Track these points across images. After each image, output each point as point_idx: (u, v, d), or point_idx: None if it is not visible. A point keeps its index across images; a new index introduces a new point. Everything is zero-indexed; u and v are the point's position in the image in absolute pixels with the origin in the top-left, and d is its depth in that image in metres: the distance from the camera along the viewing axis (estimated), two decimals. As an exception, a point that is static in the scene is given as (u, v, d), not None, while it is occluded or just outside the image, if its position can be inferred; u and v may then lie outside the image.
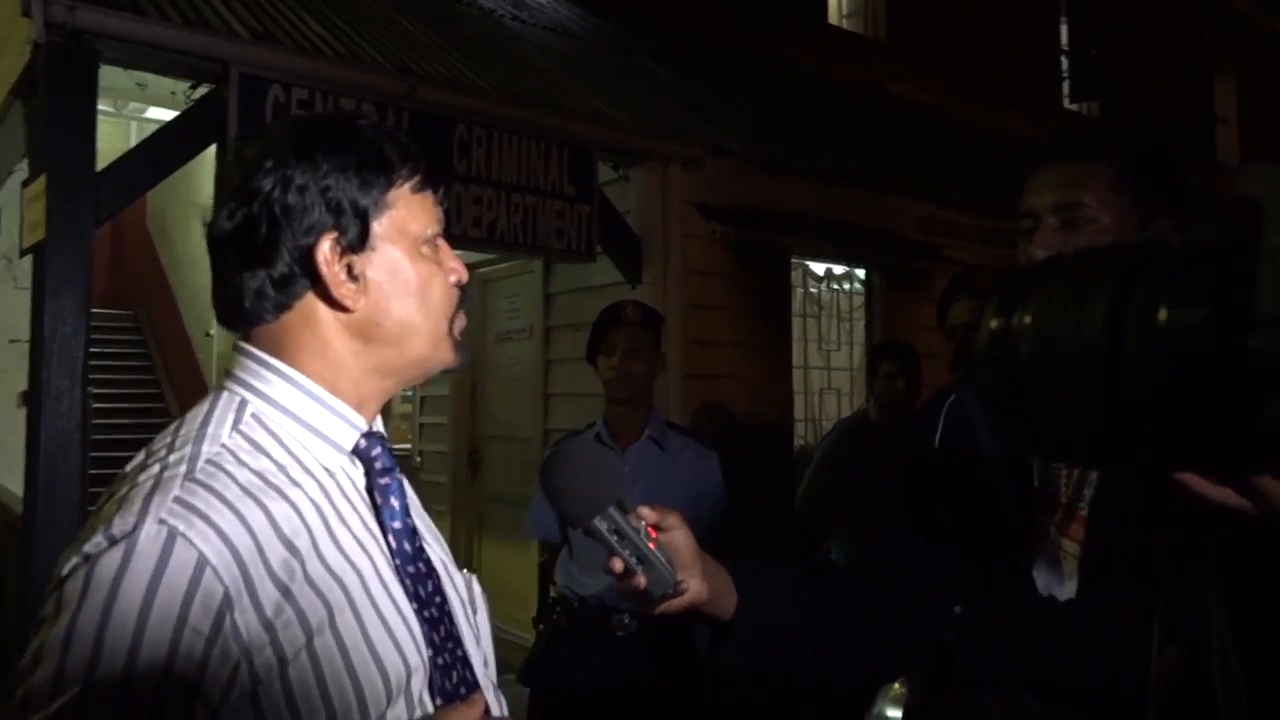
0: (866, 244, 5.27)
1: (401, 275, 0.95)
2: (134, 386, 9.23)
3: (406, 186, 0.96)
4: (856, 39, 8.55)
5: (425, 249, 0.97)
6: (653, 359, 2.75)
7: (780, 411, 4.95)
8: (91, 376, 7.19)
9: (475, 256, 5.69)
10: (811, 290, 5.48)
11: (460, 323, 1.00)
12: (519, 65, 4.97)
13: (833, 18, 8.57)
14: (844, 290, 5.65)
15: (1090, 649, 1.09)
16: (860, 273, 5.64)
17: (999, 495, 1.19)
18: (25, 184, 3.52)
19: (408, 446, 6.73)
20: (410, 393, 6.72)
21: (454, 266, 0.99)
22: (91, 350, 3.33)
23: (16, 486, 3.73)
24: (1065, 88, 10.34)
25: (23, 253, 3.58)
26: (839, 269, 5.55)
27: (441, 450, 6.20)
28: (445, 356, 0.99)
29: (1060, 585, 1.16)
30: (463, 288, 1.01)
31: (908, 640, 1.21)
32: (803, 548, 3.14)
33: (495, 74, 4.47)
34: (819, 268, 5.46)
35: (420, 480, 6.36)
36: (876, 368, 3.59)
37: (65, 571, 0.77)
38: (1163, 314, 0.55)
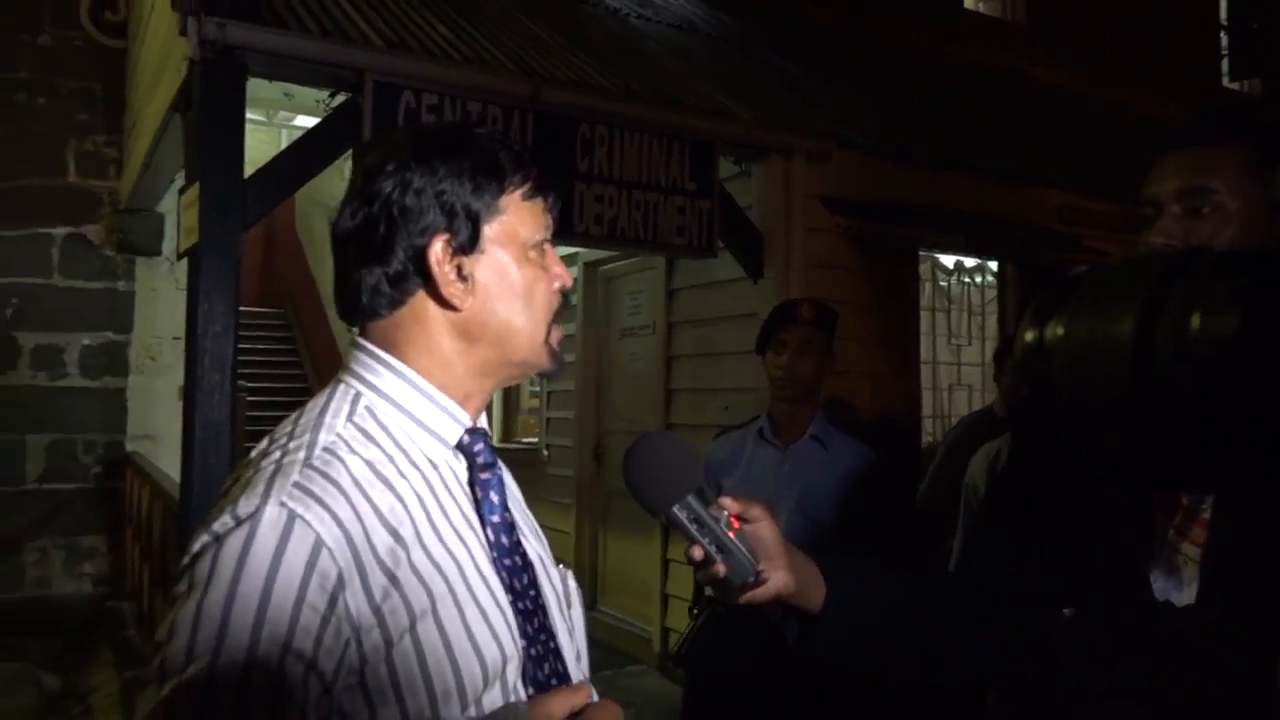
0: (999, 235, 5.08)
1: (508, 278, 0.98)
2: (284, 380, 9.78)
3: (518, 193, 0.99)
4: (994, 23, 8.25)
5: (533, 254, 1.00)
6: (823, 359, 2.71)
7: (907, 407, 4.84)
8: (245, 370, 7.63)
9: (598, 253, 5.79)
10: (941, 284, 5.33)
11: (557, 332, 1.03)
12: (642, 63, 5.01)
13: (968, 2, 8.30)
14: (975, 283, 5.47)
15: (1208, 657, 1.03)
16: (993, 265, 5.45)
17: (1115, 496, 1.14)
18: (181, 191, 3.78)
19: (535, 440, 6.88)
20: (537, 388, 6.87)
21: (559, 273, 1.03)
22: (245, 346, 3.54)
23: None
24: (1225, 66, 9.69)
25: (179, 256, 3.84)
26: (970, 261, 5.37)
27: (567, 444, 6.32)
28: (541, 360, 1.03)
29: (1179, 591, 1.11)
30: (565, 294, 1.04)
31: (1009, 644, 1.17)
32: (924, 546, 3.06)
33: (618, 73, 4.52)
34: (949, 260, 5.30)
35: (547, 474, 6.50)
36: (1003, 363, 3.46)
37: (196, 549, 0.84)
38: (1195, 321, 0.52)
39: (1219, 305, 0.53)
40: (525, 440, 7.15)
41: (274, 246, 11.91)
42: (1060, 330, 0.61)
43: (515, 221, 0.99)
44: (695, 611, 2.77)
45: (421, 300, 0.97)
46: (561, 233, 4.03)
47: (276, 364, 10.40)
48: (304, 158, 3.72)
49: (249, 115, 3.81)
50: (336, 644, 0.82)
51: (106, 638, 5.66)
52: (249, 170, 3.55)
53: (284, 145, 5.87)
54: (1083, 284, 0.63)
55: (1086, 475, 1.09)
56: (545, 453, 6.64)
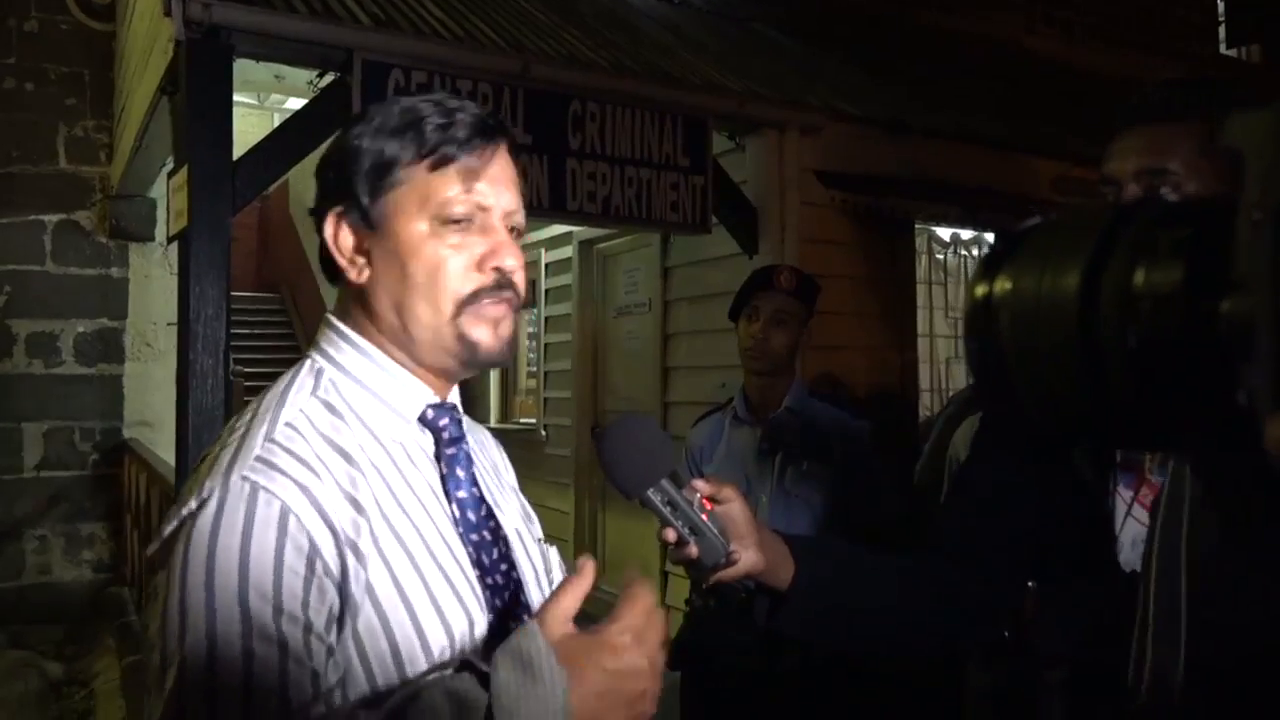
0: (995, 207, 5.05)
1: (401, 257, 0.93)
2: (281, 365, 9.75)
3: (424, 164, 0.93)
4: (989, -8, 8.18)
5: (447, 229, 0.93)
6: (799, 331, 2.58)
7: (904, 382, 4.83)
8: (242, 355, 7.57)
9: (593, 232, 5.76)
10: (937, 256, 5.31)
11: (489, 320, 0.95)
12: (634, 38, 4.97)
13: (962, -28, 8.22)
14: (972, 256, 5.45)
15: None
16: (989, 236, 5.42)
17: (1078, 468, 1.14)
18: (170, 175, 3.76)
19: (533, 421, 6.88)
20: (535, 368, 6.87)
21: (483, 253, 0.94)
22: (241, 331, 3.52)
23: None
24: (1222, 32, 9.61)
25: (169, 240, 3.82)
26: (966, 234, 5.35)
27: (566, 424, 6.32)
28: (449, 351, 0.95)
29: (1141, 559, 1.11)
30: (501, 272, 0.95)
31: (978, 616, 1.18)
32: (922, 522, 3.05)
33: (610, 48, 4.48)
34: (945, 233, 5.28)
35: (545, 454, 6.50)
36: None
37: (167, 533, 0.84)
38: (1139, 276, 0.51)
39: (1162, 258, 0.51)
40: (523, 421, 7.14)
41: (269, 231, 11.87)
42: (1008, 284, 0.60)
43: (421, 195, 0.93)
44: (689, 601, 2.71)
45: None
46: (554, 210, 4.01)
47: (274, 348, 10.39)
48: (293, 139, 3.68)
49: (240, 98, 3.78)
50: (323, 605, 0.82)
51: (108, 624, 5.67)
52: (239, 153, 3.53)
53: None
54: (1032, 235, 0.62)
55: (1038, 434, 1.09)
56: (544, 433, 6.63)
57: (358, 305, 0.97)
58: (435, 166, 0.93)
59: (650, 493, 1.02)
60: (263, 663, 0.76)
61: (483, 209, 0.95)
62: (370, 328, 0.97)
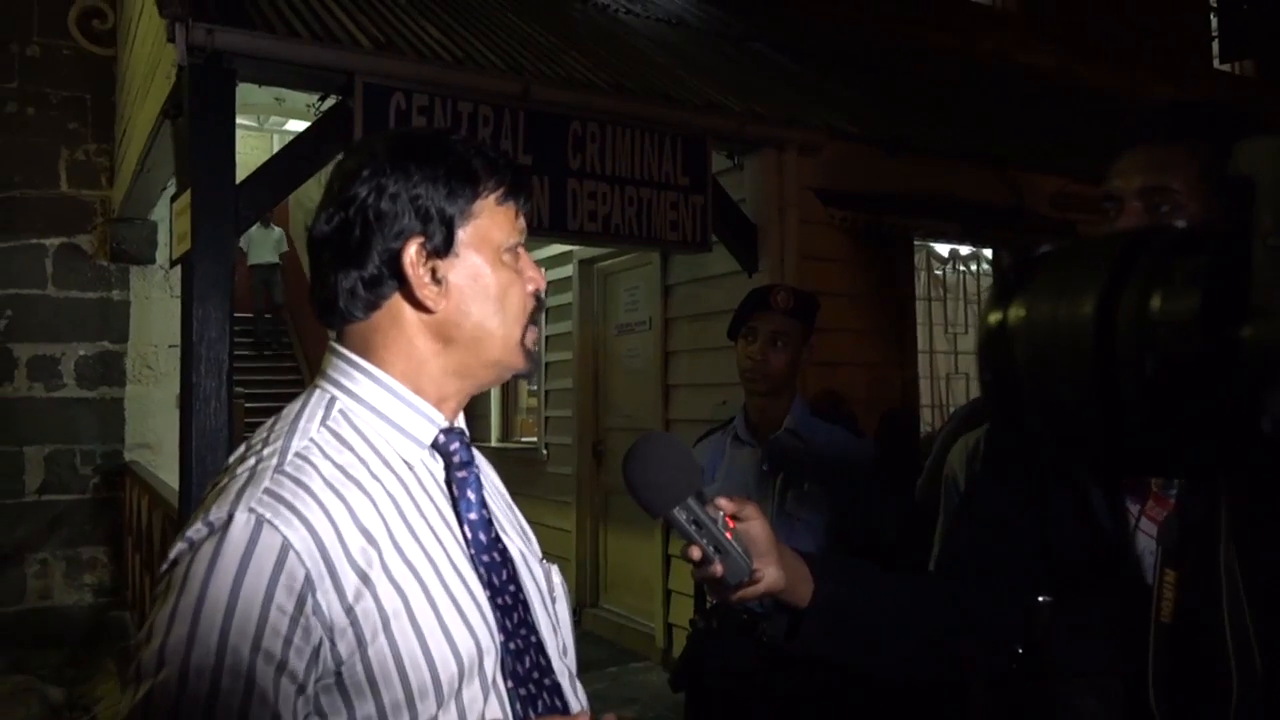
0: (993, 223, 5.08)
1: (481, 281, 1.00)
2: (281, 387, 9.76)
3: (492, 198, 1.01)
4: (984, 9, 8.24)
5: (506, 257, 1.02)
6: (798, 351, 2.55)
7: (905, 398, 4.84)
8: (244, 377, 7.59)
9: (593, 251, 5.78)
10: (936, 272, 5.33)
11: (533, 333, 1.05)
12: (633, 59, 5.01)
13: (957, -10, 8.29)
14: (970, 271, 5.47)
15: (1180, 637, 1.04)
16: (988, 252, 5.44)
17: (1085, 485, 1.14)
18: (173, 199, 3.77)
19: (534, 440, 6.87)
20: (535, 387, 6.87)
21: (532, 275, 1.04)
22: (242, 353, 3.52)
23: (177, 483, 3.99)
24: (1215, 48, 9.68)
25: (172, 263, 3.83)
26: (965, 249, 5.37)
27: (567, 443, 6.31)
28: (516, 362, 1.04)
29: (1149, 574, 1.11)
30: (539, 297, 1.05)
31: (991, 635, 1.19)
32: (923, 540, 3.04)
33: (609, 69, 4.52)
34: (943, 249, 5.30)
35: (546, 472, 6.49)
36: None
37: (173, 556, 0.86)
38: (1155, 303, 0.52)
39: (1179, 285, 0.52)
40: (524, 439, 7.14)
41: (269, 252, 11.86)
42: (1022, 312, 0.60)
43: (489, 225, 1.00)
44: (692, 622, 2.69)
45: (397, 303, 0.99)
46: (555, 230, 4.03)
47: (274, 370, 10.39)
48: (295, 162, 3.71)
49: (240, 120, 3.79)
50: (307, 644, 0.84)
51: (109, 648, 5.65)
52: (241, 175, 3.54)
53: (275, 150, 5.86)
54: (1045, 263, 0.62)
55: (1053, 462, 1.10)
56: (544, 451, 6.63)
57: (384, 335, 0.99)
58: (503, 200, 1.02)
59: (675, 511, 1.03)
60: (226, 699, 0.79)
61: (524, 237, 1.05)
62: (393, 356, 0.99)
